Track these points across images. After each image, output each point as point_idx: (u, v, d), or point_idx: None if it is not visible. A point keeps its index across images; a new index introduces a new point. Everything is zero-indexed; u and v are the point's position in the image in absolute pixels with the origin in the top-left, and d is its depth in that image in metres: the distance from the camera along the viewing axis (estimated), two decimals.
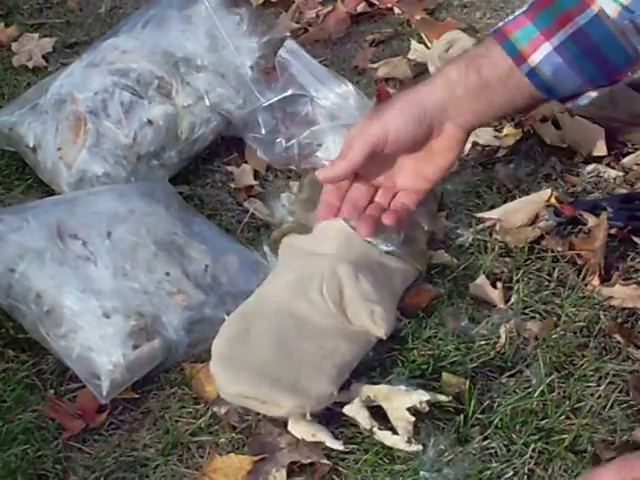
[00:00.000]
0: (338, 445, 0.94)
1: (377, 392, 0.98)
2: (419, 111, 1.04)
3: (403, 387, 0.97)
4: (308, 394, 0.95)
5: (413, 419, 0.95)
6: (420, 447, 0.94)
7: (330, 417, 0.97)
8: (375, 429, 0.95)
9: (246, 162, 1.36)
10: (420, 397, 0.96)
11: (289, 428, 0.95)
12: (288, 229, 1.12)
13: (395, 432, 0.95)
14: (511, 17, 1.05)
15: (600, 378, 1.02)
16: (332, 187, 1.09)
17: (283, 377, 0.96)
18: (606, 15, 1.00)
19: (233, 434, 0.97)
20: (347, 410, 0.97)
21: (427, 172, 1.09)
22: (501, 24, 1.05)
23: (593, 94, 1.06)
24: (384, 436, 0.95)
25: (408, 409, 0.95)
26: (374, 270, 1.06)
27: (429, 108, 1.04)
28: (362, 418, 0.96)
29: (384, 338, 1.01)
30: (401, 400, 0.96)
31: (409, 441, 0.94)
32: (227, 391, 0.97)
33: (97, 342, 1.01)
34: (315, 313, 1.02)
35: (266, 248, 1.14)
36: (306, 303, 1.02)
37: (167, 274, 1.07)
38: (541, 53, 1.01)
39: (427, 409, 0.96)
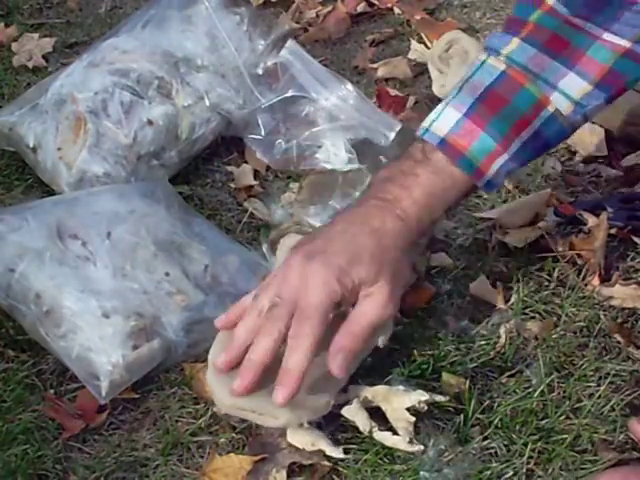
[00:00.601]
0: (338, 453, 0.93)
1: (375, 393, 0.97)
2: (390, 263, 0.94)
3: (402, 387, 0.97)
4: (304, 404, 0.94)
5: (413, 419, 0.94)
6: (421, 447, 0.93)
7: (329, 419, 0.97)
8: (375, 430, 0.95)
9: (246, 162, 1.36)
10: (419, 397, 0.95)
11: (288, 439, 0.95)
12: (286, 230, 1.12)
13: (395, 433, 0.95)
14: (452, 121, 0.97)
15: (600, 378, 1.02)
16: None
17: None
18: (560, 113, 0.98)
19: (233, 434, 0.97)
20: (345, 412, 0.97)
21: None
22: (444, 135, 0.97)
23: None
24: (384, 437, 0.94)
25: (407, 409, 0.95)
26: None
27: (394, 253, 0.95)
28: (361, 420, 0.96)
29: (381, 347, 1.01)
30: (400, 400, 0.96)
31: (411, 441, 0.93)
32: (222, 402, 0.96)
33: (96, 342, 1.00)
34: None
35: (265, 248, 1.14)
36: None
37: (167, 274, 1.07)
38: (497, 164, 0.98)
39: (426, 409, 0.96)
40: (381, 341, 0.98)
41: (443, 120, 0.97)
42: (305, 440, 0.94)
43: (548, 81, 0.97)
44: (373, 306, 0.92)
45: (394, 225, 0.94)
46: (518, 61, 0.98)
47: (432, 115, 0.99)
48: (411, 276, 0.98)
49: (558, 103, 0.97)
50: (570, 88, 0.97)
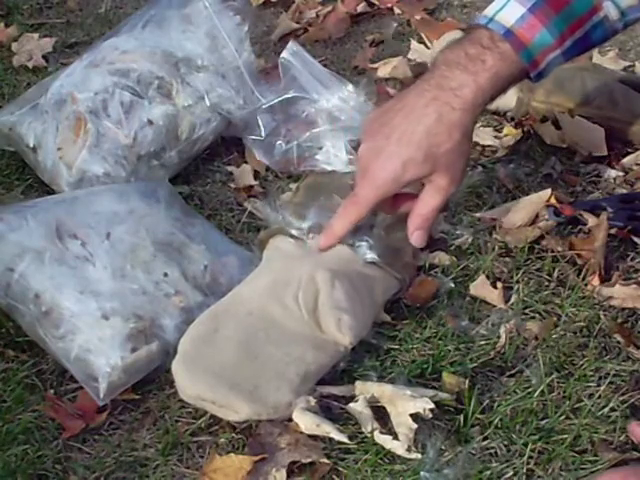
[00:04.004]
0: (343, 437, 0.94)
1: (382, 393, 0.97)
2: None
3: (409, 392, 0.97)
4: (265, 402, 0.95)
5: (415, 426, 0.94)
6: (419, 455, 0.93)
7: (331, 414, 0.97)
8: (376, 432, 0.95)
9: (246, 162, 1.36)
10: (424, 405, 0.95)
11: (293, 416, 0.95)
12: (275, 231, 1.12)
13: (396, 435, 0.95)
14: (517, 15, 1.04)
15: (600, 378, 1.02)
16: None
17: (243, 382, 0.96)
18: (607, 19, 1.06)
19: (233, 434, 0.97)
20: (351, 408, 0.97)
21: None
22: (510, 26, 1.03)
23: None
24: (384, 440, 0.94)
25: (411, 415, 0.95)
26: (353, 279, 1.05)
27: (449, 144, 1.04)
28: (365, 418, 0.96)
29: (349, 347, 1.02)
30: (405, 405, 0.96)
31: (409, 449, 0.93)
32: (185, 392, 0.98)
33: (95, 344, 1.00)
34: (287, 318, 1.02)
35: (254, 248, 1.14)
36: (280, 308, 1.02)
37: (165, 275, 1.07)
38: (550, 57, 1.05)
39: (430, 416, 0.95)
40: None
41: (508, 12, 1.04)
42: (311, 421, 0.95)
43: None
44: (435, 190, 1.04)
45: (451, 117, 1.02)
46: None
47: (495, 6, 1.06)
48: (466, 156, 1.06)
49: (608, 10, 1.06)
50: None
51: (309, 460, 0.93)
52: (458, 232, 1.22)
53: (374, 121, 1.07)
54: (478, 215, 1.24)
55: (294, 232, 1.10)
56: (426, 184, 1.04)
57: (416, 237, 1.06)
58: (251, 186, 1.32)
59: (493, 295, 1.12)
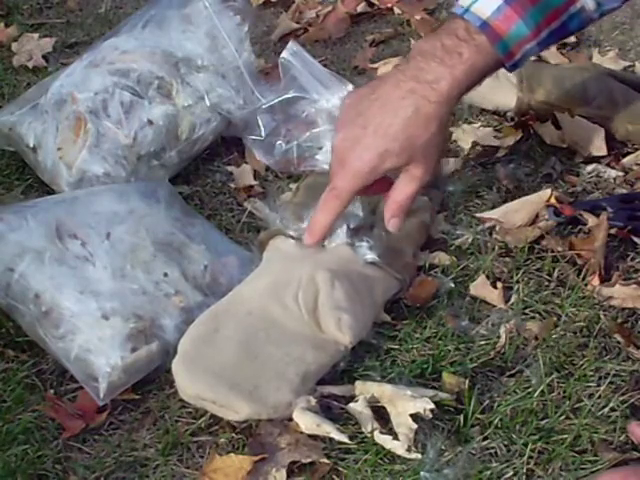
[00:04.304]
0: (343, 437, 0.94)
1: (382, 393, 0.97)
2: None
3: (409, 392, 0.97)
4: (265, 401, 0.95)
5: (415, 427, 0.94)
6: (419, 455, 0.93)
7: (331, 414, 0.97)
8: (376, 432, 0.95)
9: (246, 162, 1.36)
10: (424, 405, 0.95)
11: (293, 416, 0.95)
12: (275, 232, 1.12)
13: (396, 435, 0.95)
14: (494, 6, 1.03)
15: (600, 378, 1.02)
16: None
17: (243, 382, 0.96)
18: (584, 9, 1.07)
19: (233, 434, 0.97)
20: (351, 408, 0.97)
21: None
22: (486, 18, 1.02)
23: None
24: (384, 440, 0.94)
25: (411, 415, 0.95)
26: (353, 279, 1.06)
27: (425, 137, 1.04)
28: (365, 418, 0.96)
29: (349, 347, 1.02)
30: (405, 405, 0.96)
31: (409, 449, 0.93)
32: (185, 392, 0.98)
33: (95, 344, 1.00)
34: (287, 318, 1.02)
35: (253, 248, 1.14)
36: (280, 308, 1.02)
37: (165, 275, 1.07)
38: (525, 49, 1.05)
39: (430, 417, 0.95)
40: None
41: (484, 3, 1.04)
42: (311, 421, 0.95)
43: None
44: (410, 179, 1.05)
45: (427, 110, 1.02)
46: None
47: None
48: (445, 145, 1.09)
49: (585, 1, 1.06)
50: None
51: (309, 460, 0.93)
52: (458, 232, 1.22)
53: (349, 109, 1.07)
54: (478, 215, 1.24)
55: (293, 233, 1.10)
56: (402, 172, 1.05)
57: (393, 224, 1.07)
58: (251, 186, 1.32)
59: (493, 295, 1.12)
